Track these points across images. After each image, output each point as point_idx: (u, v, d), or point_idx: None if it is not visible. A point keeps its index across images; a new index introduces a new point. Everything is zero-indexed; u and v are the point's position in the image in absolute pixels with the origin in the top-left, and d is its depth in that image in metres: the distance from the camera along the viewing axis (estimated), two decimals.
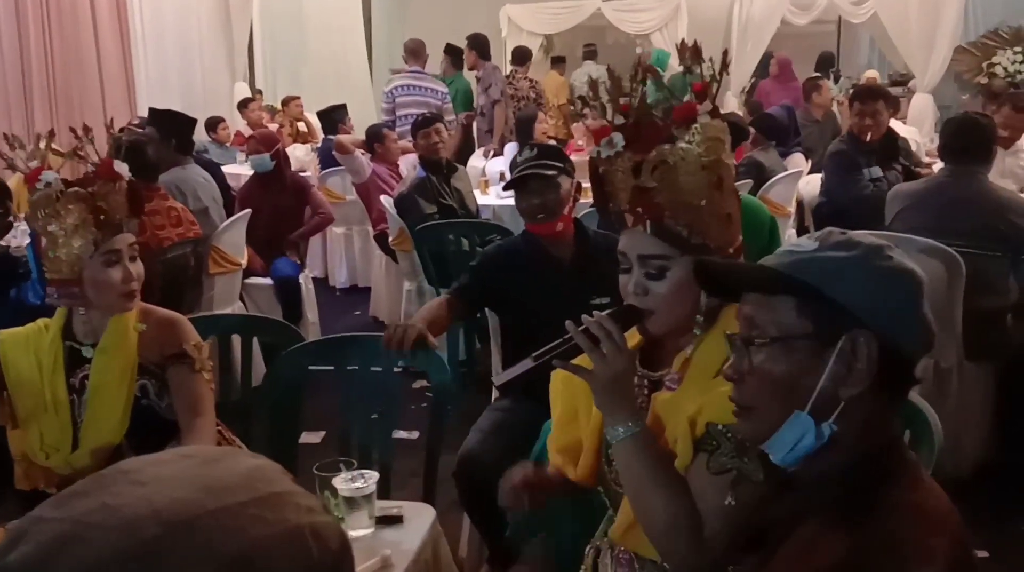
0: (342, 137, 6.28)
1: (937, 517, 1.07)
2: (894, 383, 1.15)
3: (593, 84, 1.68)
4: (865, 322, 1.11)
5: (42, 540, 0.62)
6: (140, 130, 5.19)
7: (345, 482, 1.78)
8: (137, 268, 2.13)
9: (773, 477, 1.30)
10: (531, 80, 8.59)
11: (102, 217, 2.08)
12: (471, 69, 8.01)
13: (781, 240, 2.55)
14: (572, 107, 9.64)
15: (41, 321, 2.20)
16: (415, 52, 7.31)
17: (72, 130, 2.14)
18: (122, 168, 2.12)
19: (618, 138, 1.58)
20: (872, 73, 10.03)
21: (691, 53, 1.57)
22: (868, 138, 4.72)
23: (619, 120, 1.59)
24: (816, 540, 1.08)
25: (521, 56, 8.68)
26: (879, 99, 4.84)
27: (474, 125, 8.02)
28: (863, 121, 4.77)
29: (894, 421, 1.19)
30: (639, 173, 1.53)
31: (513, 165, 3.06)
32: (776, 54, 10.14)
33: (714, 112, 1.59)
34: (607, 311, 1.61)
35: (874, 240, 1.19)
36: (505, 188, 3.04)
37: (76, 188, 2.09)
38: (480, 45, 7.98)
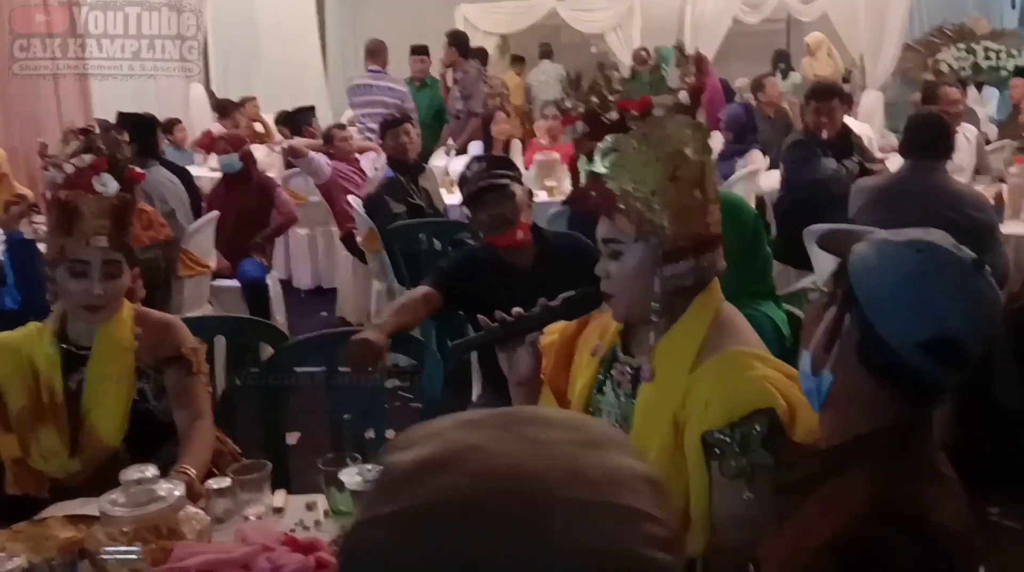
0: (293, 140, 6.30)
1: (949, 483, 1.21)
2: (873, 364, 1.21)
3: (575, 81, 1.73)
4: (854, 291, 1.22)
5: (428, 450, 0.67)
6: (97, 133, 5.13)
7: (351, 476, 1.80)
8: (113, 286, 2.11)
9: (790, 452, 1.40)
10: (500, 80, 8.59)
11: (72, 225, 2.06)
12: (449, 67, 7.87)
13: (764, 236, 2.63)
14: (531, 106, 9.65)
15: (33, 325, 2.18)
16: (374, 52, 7.28)
17: (73, 132, 2.11)
18: (107, 185, 2.08)
19: (580, 126, 1.65)
20: (817, 35, 10.20)
21: (695, 62, 1.63)
22: (824, 135, 4.84)
23: (613, 116, 1.64)
24: (834, 497, 1.18)
25: (481, 57, 8.68)
26: (834, 97, 4.96)
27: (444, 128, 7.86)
28: (819, 118, 4.88)
29: (903, 408, 1.23)
30: (592, 159, 1.59)
31: (463, 180, 3.01)
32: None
33: (687, 108, 1.63)
34: (568, 293, 1.69)
35: (921, 235, 1.25)
36: (463, 204, 3.02)
37: (61, 191, 2.09)
38: (461, 42, 7.85)
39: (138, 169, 2.17)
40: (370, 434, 3.84)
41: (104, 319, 2.13)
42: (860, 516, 1.13)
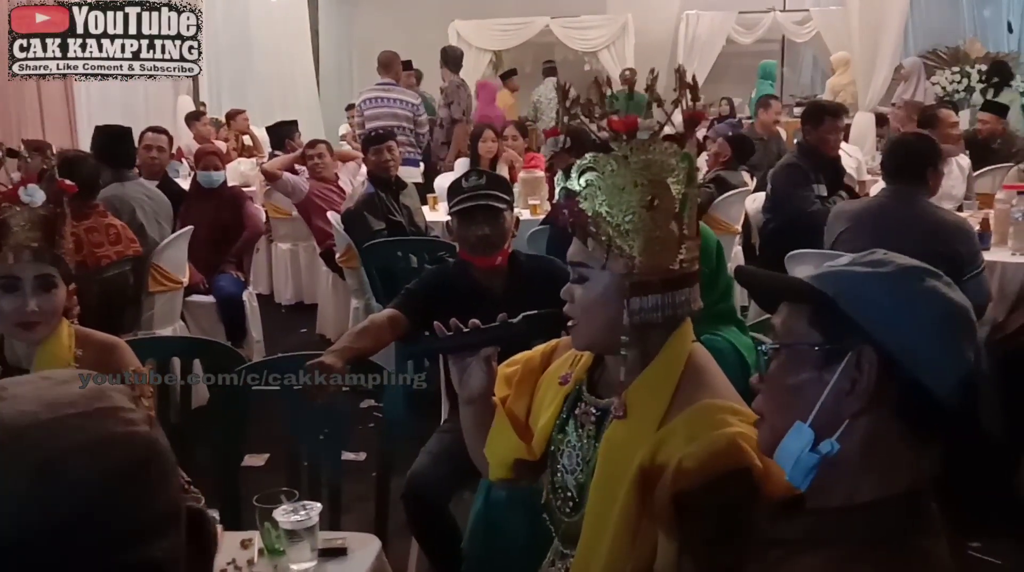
0: (266, 164, 6.28)
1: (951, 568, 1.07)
2: (912, 416, 1.08)
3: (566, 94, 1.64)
4: (876, 340, 1.06)
5: None
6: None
7: (286, 514, 1.71)
8: (48, 300, 2.03)
9: (766, 513, 1.26)
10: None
11: (0, 240, 1.99)
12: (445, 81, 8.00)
13: (726, 261, 2.56)
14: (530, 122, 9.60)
15: None
16: (386, 64, 7.23)
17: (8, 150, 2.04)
18: (34, 196, 2.01)
19: (560, 139, 1.57)
20: (842, 55, 9.99)
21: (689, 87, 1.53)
22: (832, 153, 4.82)
23: (604, 134, 1.55)
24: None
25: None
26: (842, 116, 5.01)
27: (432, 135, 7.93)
28: (833, 136, 4.84)
29: (922, 464, 1.10)
30: (568, 175, 1.51)
31: (456, 188, 2.89)
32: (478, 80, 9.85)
33: (676, 138, 1.53)
34: (528, 313, 1.61)
35: (913, 262, 1.12)
36: (452, 214, 2.92)
37: None
38: (454, 60, 8.04)
39: (67, 181, 2.09)
40: (347, 456, 3.78)
41: (42, 337, 2.05)
42: None
